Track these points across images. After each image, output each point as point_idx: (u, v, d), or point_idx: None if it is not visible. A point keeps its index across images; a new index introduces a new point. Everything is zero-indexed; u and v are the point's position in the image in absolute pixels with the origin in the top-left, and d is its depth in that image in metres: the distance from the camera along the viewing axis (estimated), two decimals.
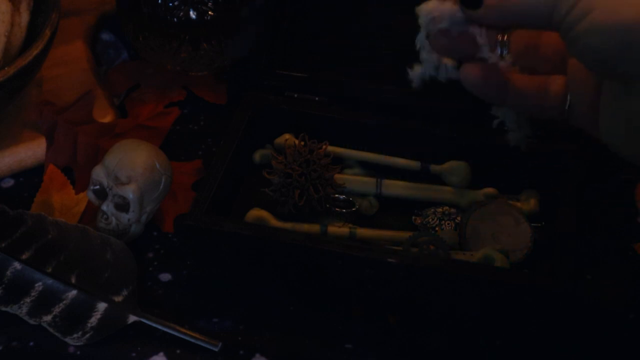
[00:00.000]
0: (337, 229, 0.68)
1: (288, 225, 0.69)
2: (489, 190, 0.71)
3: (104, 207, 0.69)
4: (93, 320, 0.64)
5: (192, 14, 0.80)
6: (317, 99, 0.77)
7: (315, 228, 0.68)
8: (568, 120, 0.53)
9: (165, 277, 0.69)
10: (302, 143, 0.69)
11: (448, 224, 0.69)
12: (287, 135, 0.75)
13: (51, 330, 0.64)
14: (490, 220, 0.68)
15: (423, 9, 0.53)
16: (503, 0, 0.48)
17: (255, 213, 0.69)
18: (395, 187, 0.72)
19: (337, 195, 0.71)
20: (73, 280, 0.66)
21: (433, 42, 0.53)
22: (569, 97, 0.53)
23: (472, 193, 0.71)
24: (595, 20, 0.44)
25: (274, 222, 0.69)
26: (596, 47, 0.45)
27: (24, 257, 0.66)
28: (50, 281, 0.65)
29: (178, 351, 0.64)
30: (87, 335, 0.64)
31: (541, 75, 0.54)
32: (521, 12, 0.48)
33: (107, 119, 0.81)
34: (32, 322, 0.64)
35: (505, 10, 0.48)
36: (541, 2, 0.47)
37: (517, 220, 0.69)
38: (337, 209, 0.71)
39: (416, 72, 0.57)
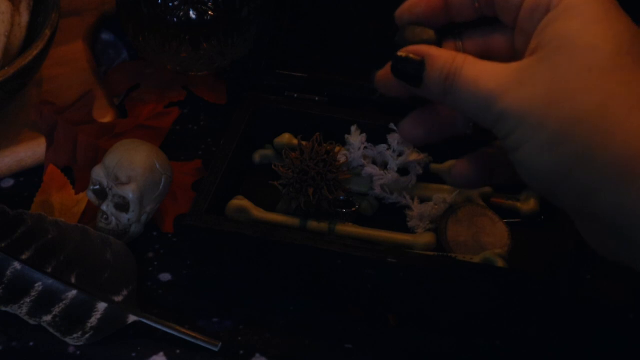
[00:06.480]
0: (317, 224, 0.68)
1: (270, 217, 0.69)
2: (485, 189, 0.71)
3: (104, 207, 0.69)
4: (93, 320, 0.64)
5: (192, 14, 0.80)
6: (317, 99, 0.77)
7: (295, 221, 0.69)
8: None
9: (165, 277, 0.69)
10: (317, 143, 0.69)
11: None
12: (287, 135, 0.75)
13: (51, 330, 0.64)
14: (467, 223, 0.68)
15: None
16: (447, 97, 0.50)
17: (237, 202, 0.69)
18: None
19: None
20: (73, 280, 0.66)
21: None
22: None
23: (466, 192, 0.71)
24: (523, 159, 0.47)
25: (255, 212, 0.69)
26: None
27: (24, 257, 0.66)
28: (50, 281, 0.65)
29: (178, 351, 0.64)
30: (87, 335, 0.64)
31: None
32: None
33: (107, 119, 0.81)
34: (32, 322, 0.64)
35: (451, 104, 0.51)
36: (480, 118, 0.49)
37: (493, 220, 0.68)
38: (337, 209, 0.71)
39: None
